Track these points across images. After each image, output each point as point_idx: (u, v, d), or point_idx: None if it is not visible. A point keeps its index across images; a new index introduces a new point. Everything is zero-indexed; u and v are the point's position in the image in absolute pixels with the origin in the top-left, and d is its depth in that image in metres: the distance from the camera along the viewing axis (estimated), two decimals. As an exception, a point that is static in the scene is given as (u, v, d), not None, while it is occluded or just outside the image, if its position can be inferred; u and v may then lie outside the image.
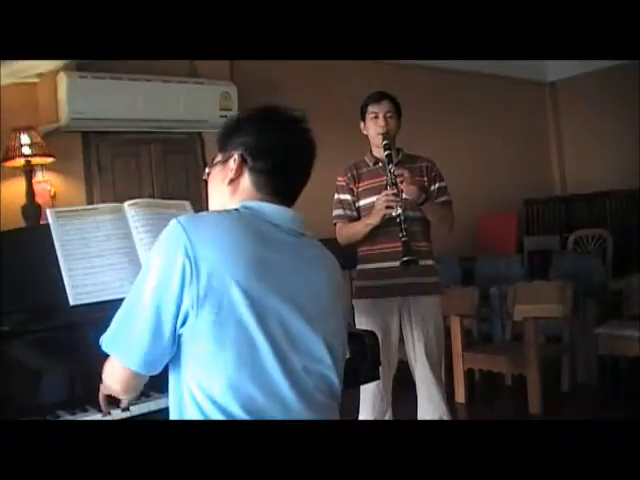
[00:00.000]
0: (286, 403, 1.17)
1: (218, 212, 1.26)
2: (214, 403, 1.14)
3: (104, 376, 1.25)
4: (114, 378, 1.22)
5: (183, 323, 1.14)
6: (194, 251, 1.13)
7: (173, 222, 1.17)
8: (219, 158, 1.34)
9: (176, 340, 1.16)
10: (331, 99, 5.64)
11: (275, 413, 1.16)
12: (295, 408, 1.18)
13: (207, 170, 1.37)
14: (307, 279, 1.26)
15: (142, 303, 1.15)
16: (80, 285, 1.67)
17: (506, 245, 6.27)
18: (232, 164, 1.30)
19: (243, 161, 1.29)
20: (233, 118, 1.35)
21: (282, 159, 1.30)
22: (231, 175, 1.30)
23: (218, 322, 1.13)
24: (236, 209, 1.25)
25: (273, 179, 1.29)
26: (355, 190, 2.74)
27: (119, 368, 1.19)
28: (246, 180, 1.30)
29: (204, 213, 1.25)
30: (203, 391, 1.14)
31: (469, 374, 4.23)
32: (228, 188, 1.31)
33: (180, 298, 1.13)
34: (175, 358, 1.19)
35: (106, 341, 1.19)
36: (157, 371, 1.19)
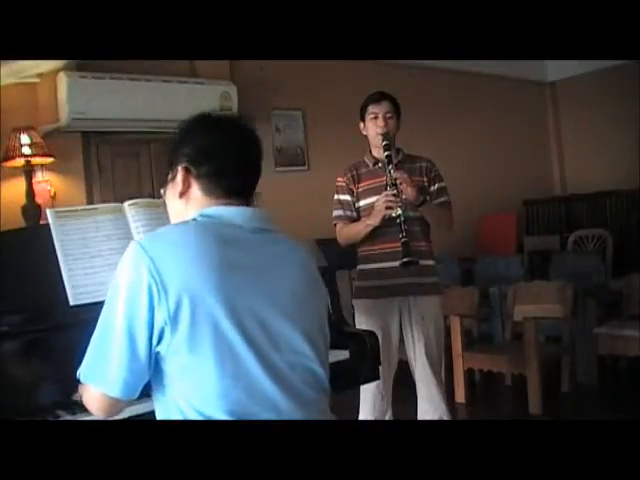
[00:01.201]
0: (274, 403, 1.17)
1: (176, 225, 1.26)
2: (201, 413, 1.13)
3: (84, 402, 1.24)
4: (96, 406, 1.21)
5: (159, 341, 1.14)
6: (158, 270, 1.13)
7: (132, 245, 1.18)
8: (169, 176, 1.34)
9: (153, 360, 1.16)
10: (331, 99, 5.64)
11: (264, 415, 1.16)
12: (284, 407, 1.18)
13: (162, 190, 1.38)
14: (278, 274, 1.26)
15: (114, 330, 1.14)
16: (80, 285, 1.67)
17: (506, 245, 6.27)
18: (179, 178, 1.31)
19: (188, 172, 1.30)
20: (174, 134, 1.36)
21: (223, 159, 1.30)
22: (180, 189, 1.31)
23: (194, 334, 1.13)
24: (194, 218, 1.25)
25: (220, 181, 1.29)
26: (355, 191, 2.74)
27: (101, 397, 1.18)
28: (195, 189, 1.30)
29: (162, 229, 1.25)
30: (189, 402, 1.14)
31: (469, 374, 4.23)
32: (181, 202, 1.32)
33: (151, 319, 1.13)
34: (157, 374, 1.19)
35: (84, 373, 1.18)
36: (137, 394, 1.19)
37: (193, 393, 1.14)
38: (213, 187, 1.29)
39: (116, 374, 1.15)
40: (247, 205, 1.32)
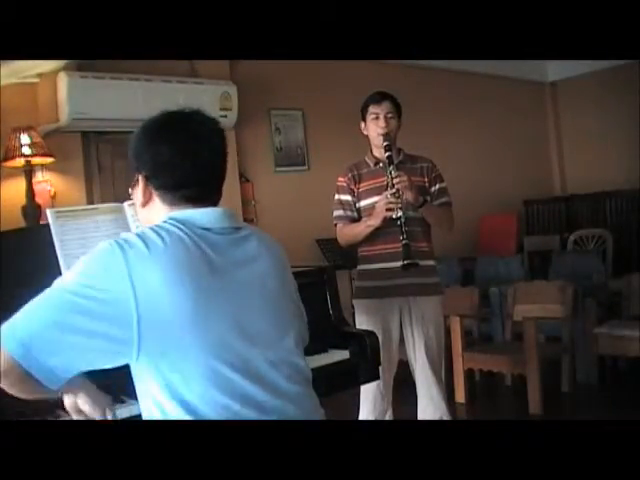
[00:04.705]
0: (260, 405, 1.17)
1: (150, 229, 1.21)
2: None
3: None
4: None
5: (138, 350, 1.12)
6: (130, 274, 1.11)
7: (106, 244, 1.15)
8: (133, 181, 1.33)
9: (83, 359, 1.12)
10: (331, 99, 5.65)
11: (251, 417, 1.16)
12: (269, 407, 1.18)
13: (130, 191, 1.37)
14: (251, 272, 1.26)
15: (53, 301, 1.11)
16: (80, 285, 1.66)
17: (506, 245, 6.27)
18: (140, 188, 1.30)
19: (147, 181, 1.28)
20: (132, 138, 1.32)
21: (180, 171, 1.27)
22: (142, 199, 1.30)
23: (170, 341, 1.12)
24: (164, 221, 1.23)
25: (179, 192, 1.27)
26: (356, 191, 2.74)
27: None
28: (157, 199, 1.29)
29: (136, 232, 1.21)
30: (179, 410, 1.14)
31: (469, 374, 4.23)
32: (145, 210, 1.32)
33: (109, 319, 1.10)
34: (139, 387, 1.18)
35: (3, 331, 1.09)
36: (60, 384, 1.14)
37: (177, 402, 1.14)
38: (173, 198, 1.28)
39: (25, 333, 1.08)
40: (216, 203, 1.31)
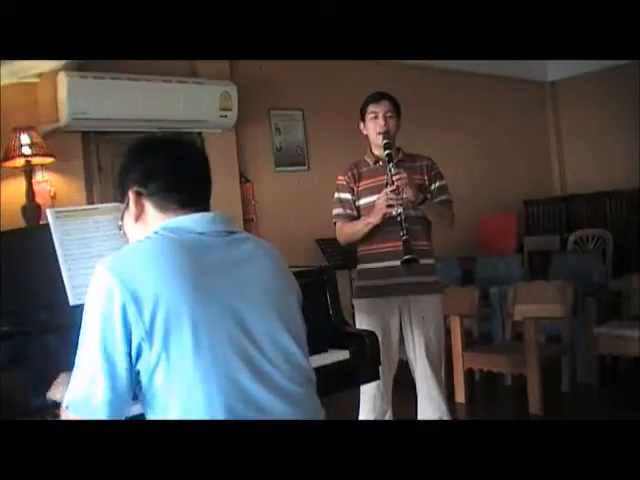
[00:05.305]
0: (261, 405, 1.17)
1: (140, 242, 1.25)
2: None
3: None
4: None
5: (138, 358, 1.14)
6: (129, 289, 1.13)
7: (98, 270, 1.17)
8: (123, 206, 1.35)
9: (134, 377, 1.16)
10: (331, 99, 5.65)
11: (252, 417, 1.16)
12: (271, 407, 1.18)
13: (119, 224, 1.38)
14: (249, 272, 1.27)
15: (93, 359, 1.14)
16: (80, 285, 1.67)
17: (506, 245, 6.27)
18: (131, 202, 1.32)
19: (139, 195, 1.31)
20: (119, 167, 1.37)
21: (170, 175, 1.31)
22: (135, 212, 1.32)
23: (173, 346, 1.13)
24: (155, 232, 1.25)
25: (171, 195, 1.29)
26: (355, 189, 2.74)
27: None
28: (149, 209, 1.31)
29: (127, 247, 1.25)
30: (177, 414, 1.14)
31: (469, 374, 4.23)
32: (138, 225, 1.32)
33: (128, 339, 1.13)
34: (142, 392, 1.18)
35: (72, 408, 1.17)
36: (122, 414, 1.18)
37: (180, 405, 1.14)
38: (166, 202, 1.29)
39: (100, 398, 1.14)
40: (206, 210, 1.33)
